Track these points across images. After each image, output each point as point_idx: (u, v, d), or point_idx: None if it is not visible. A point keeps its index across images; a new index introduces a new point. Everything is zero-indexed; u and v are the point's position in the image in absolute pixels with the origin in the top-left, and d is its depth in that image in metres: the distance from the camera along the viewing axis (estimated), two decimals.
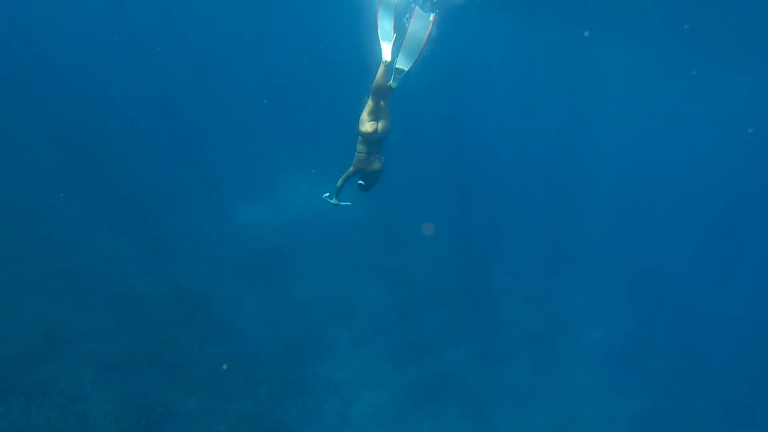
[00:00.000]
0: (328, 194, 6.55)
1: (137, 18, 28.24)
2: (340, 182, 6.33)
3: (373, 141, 6.02)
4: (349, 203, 6.54)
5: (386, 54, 5.61)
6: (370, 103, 5.91)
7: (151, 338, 9.81)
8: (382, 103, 5.89)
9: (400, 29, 5.70)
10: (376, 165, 6.09)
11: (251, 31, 33.62)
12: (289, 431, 9.01)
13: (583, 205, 28.23)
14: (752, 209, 30.05)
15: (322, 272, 14.76)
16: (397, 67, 5.59)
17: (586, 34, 18.63)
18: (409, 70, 5.60)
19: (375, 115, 5.89)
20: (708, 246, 28.00)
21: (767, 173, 30.28)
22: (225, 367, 9.64)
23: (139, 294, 11.05)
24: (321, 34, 31.84)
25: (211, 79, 29.44)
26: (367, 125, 5.91)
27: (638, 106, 32.78)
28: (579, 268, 20.64)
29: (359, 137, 6.02)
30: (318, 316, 12.68)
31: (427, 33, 5.41)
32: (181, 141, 23.71)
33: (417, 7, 5.51)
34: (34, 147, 17.04)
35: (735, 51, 14.48)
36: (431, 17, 5.47)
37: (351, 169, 6.17)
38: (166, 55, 28.81)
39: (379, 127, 5.95)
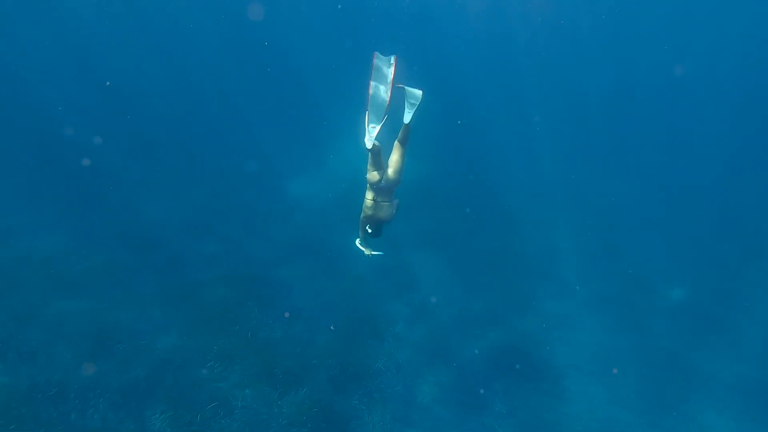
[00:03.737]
0: (359, 240, 5.98)
1: None
2: (360, 232, 5.77)
3: (379, 189, 5.31)
4: (381, 252, 5.97)
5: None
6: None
7: (202, 329, 9.43)
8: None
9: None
10: (383, 214, 5.43)
11: None
12: (351, 419, 8.39)
13: (650, 151, 25.69)
14: None
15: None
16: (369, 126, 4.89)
17: None
18: (381, 125, 4.84)
19: (379, 165, 5.14)
20: None
21: None
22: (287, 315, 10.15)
23: (187, 282, 10.73)
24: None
25: (251, 50, 28.49)
26: (371, 173, 5.20)
27: None
28: (651, 219, 18.68)
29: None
30: (374, 292, 11.92)
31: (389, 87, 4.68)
32: (223, 117, 23.34)
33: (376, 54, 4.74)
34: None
35: None
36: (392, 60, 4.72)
37: (361, 214, 5.60)
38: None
39: (383, 178, 5.19)
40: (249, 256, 12.47)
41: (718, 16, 24.65)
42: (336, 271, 12.48)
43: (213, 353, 8.88)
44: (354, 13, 29.23)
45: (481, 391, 9.85)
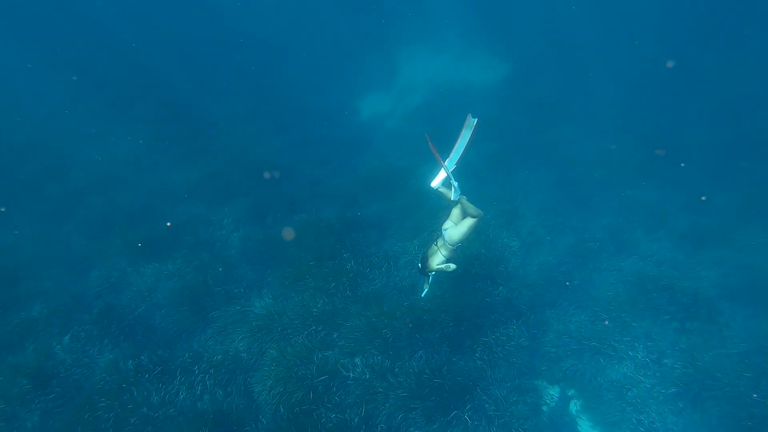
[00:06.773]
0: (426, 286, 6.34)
1: None
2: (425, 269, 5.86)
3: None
4: (426, 288, 6.36)
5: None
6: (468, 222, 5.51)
7: (296, 287, 8.59)
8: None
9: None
10: (453, 266, 5.71)
11: None
12: (477, 382, 7.39)
13: None
14: None
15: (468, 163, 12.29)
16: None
17: None
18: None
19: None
20: None
21: None
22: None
23: (271, 234, 9.81)
24: None
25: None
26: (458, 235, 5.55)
27: None
28: None
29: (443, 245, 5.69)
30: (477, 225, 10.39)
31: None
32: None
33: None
34: None
35: None
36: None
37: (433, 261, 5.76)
38: None
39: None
40: (332, 195, 11.27)
41: None
42: (428, 204, 11.03)
43: (312, 316, 8.04)
44: None
45: (618, 336, 8.47)
